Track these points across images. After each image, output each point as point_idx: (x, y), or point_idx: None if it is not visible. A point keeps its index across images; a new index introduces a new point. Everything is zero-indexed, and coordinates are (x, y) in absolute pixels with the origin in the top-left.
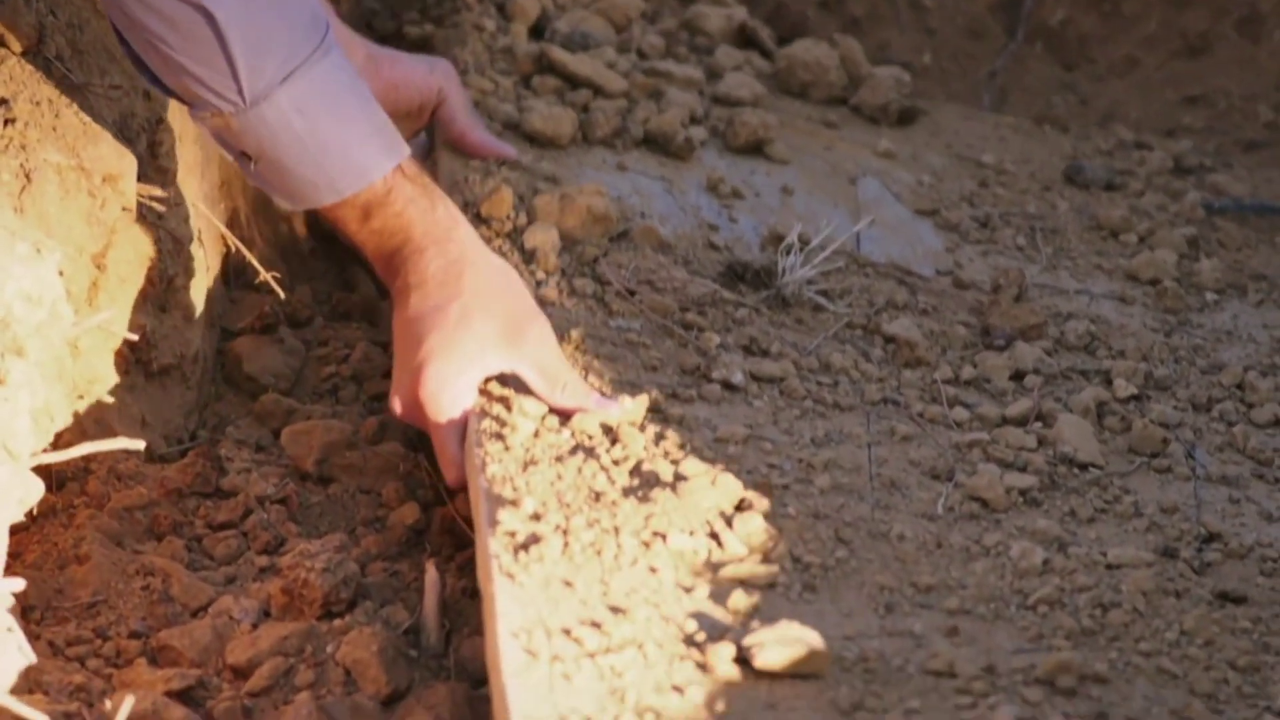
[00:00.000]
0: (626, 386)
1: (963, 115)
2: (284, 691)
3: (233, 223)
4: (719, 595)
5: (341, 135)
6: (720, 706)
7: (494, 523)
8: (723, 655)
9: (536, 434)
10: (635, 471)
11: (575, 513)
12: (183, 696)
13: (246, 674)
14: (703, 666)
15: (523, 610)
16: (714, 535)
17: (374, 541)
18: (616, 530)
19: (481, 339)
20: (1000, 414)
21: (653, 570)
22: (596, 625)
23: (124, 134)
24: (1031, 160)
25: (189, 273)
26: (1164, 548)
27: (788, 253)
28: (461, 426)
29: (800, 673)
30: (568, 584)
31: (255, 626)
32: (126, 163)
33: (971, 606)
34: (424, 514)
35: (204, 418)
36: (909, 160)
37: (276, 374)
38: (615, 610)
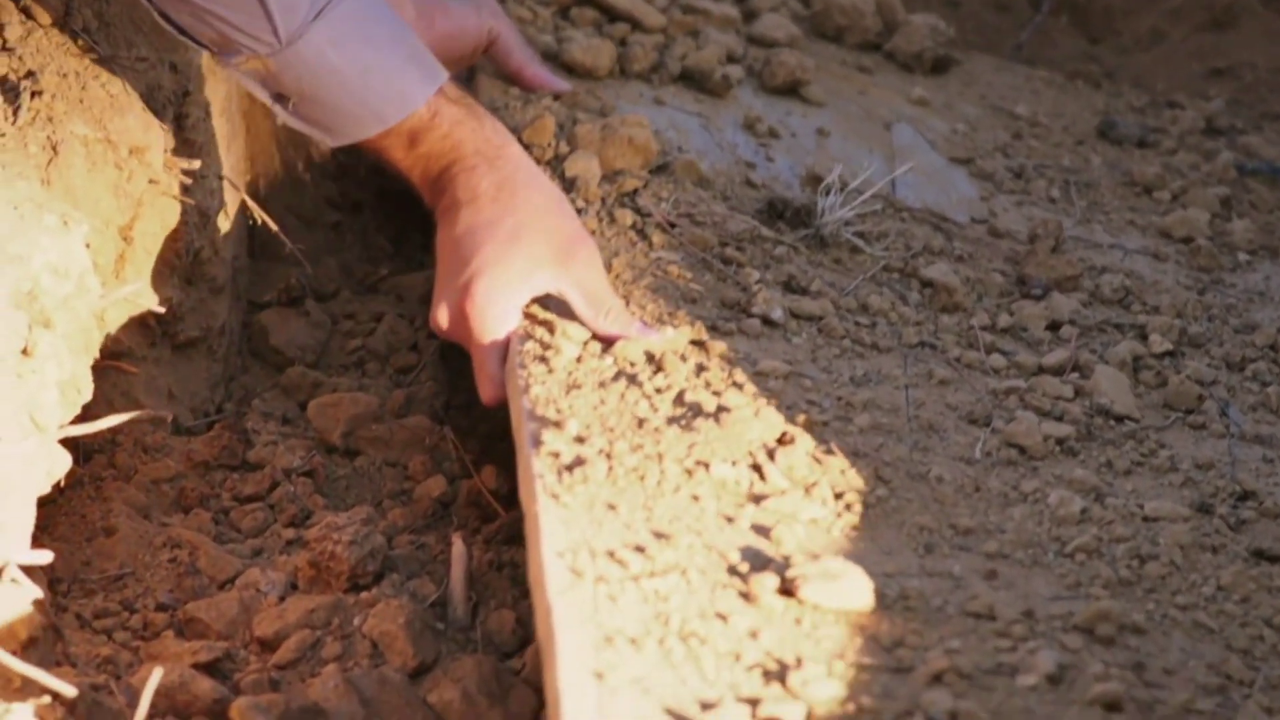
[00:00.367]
0: (666, 317)
1: (995, 67)
2: (311, 664)
3: (258, 195)
4: (761, 526)
5: (380, 65)
6: (764, 636)
7: (538, 443)
8: (766, 585)
9: (579, 358)
10: (678, 400)
11: (619, 437)
12: (210, 669)
13: (274, 646)
14: (746, 596)
15: (567, 530)
16: (756, 467)
17: (401, 514)
18: (660, 457)
19: (533, 257)
20: (1037, 363)
21: (695, 498)
22: (640, 549)
23: (151, 106)
24: (1064, 114)
25: (215, 245)
26: (1200, 503)
27: (827, 193)
28: (504, 346)
29: (843, 607)
30: (611, 507)
31: (282, 599)
32: (153, 135)
33: (1010, 551)
34: (450, 487)
35: (230, 390)
36: (943, 109)
37: (302, 346)
38: (659, 535)
